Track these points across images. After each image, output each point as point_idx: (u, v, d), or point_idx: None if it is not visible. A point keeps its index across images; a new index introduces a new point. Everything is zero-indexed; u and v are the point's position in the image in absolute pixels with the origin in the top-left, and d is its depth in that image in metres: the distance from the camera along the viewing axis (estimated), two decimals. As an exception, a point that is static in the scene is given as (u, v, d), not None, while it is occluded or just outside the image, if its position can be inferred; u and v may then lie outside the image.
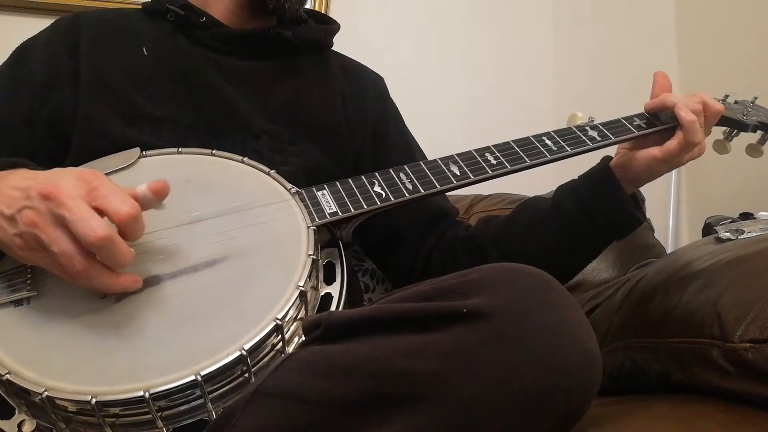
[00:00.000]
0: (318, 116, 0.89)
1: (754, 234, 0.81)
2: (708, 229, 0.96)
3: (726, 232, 0.84)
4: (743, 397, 0.60)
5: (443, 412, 0.47)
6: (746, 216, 0.96)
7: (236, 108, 0.83)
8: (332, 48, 0.98)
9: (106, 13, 0.90)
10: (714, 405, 0.62)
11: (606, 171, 0.81)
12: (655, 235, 1.27)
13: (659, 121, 0.81)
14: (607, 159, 0.83)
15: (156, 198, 0.60)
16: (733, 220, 0.94)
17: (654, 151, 0.78)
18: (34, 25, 0.91)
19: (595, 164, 0.85)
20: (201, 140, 0.78)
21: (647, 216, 1.28)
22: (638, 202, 0.84)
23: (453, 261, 0.88)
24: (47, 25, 0.88)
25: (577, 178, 0.85)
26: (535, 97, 1.82)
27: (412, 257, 0.92)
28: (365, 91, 0.96)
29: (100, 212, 0.56)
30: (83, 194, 0.56)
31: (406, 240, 0.92)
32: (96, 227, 0.54)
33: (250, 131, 0.83)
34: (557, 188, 0.86)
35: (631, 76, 1.82)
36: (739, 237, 0.81)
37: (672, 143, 0.77)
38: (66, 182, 0.57)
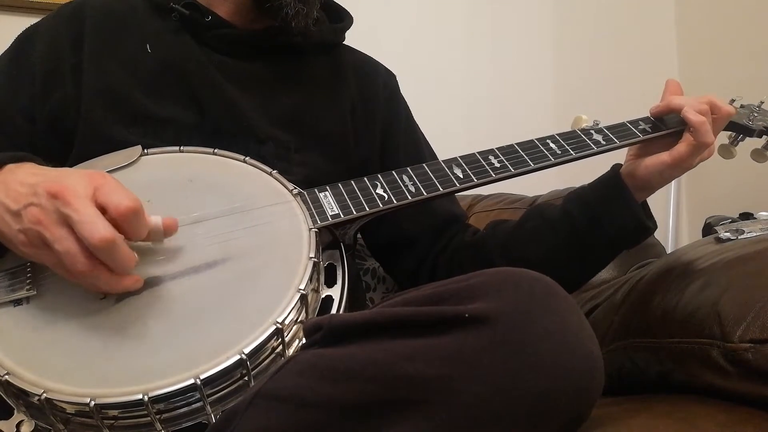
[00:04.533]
0: (325, 124, 0.87)
1: (754, 234, 0.81)
2: (708, 229, 0.96)
3: (726, 232, 0.84)
4: (743, 397, 0.60)
5: (445, 416, 0.47)
6: (746, 216, 0.96)
7: (242, 111, 0.81)
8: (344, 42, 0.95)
9: (111, 1, 0.86)
10: (714, 405, 0.62)
11: (616, 179, 0.80)
12: (655, 235, 1.26)
13: (665, 126, 0.80)
14: (617, 167, 0.82)
15: (164, 233, 0.61)
16: (733, 220, 0.94)
17: (664, 157, 0.76)
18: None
19: (601, 168, 0.84)
20: (205, 143, 0.76)
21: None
22: (649, 210, 0.82)
23: (459, 266, 0.87)
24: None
25: (586, 185, 0.84)
26: (535, 98, 1.82)
27: (419, 262, 0.91)
28: (376, 92, 0.94)
29: (103, 209, 0.56)
30: (90, 195, 0.56)
31: (415, 244, 0.91)
32: (100, 229, 0.54)
33: (256, 135, 0.81)
34: (566, 195, 0.85)
35: (632, 78, 1.83)
36: (739, 237, 0.81)
37: (681, 147, 0.76)
38: (74, 182, 0.57)
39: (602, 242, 0.80)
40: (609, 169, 0.83)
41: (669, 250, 1.37)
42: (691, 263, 0.77)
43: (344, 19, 0.95)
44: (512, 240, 0.85)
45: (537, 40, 1.85)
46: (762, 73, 1.50)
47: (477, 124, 1.76)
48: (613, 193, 0.79)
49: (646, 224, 0.79)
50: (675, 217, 1.77)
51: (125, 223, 0.57)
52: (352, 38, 0.96)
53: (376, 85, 0.95)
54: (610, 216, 0.78)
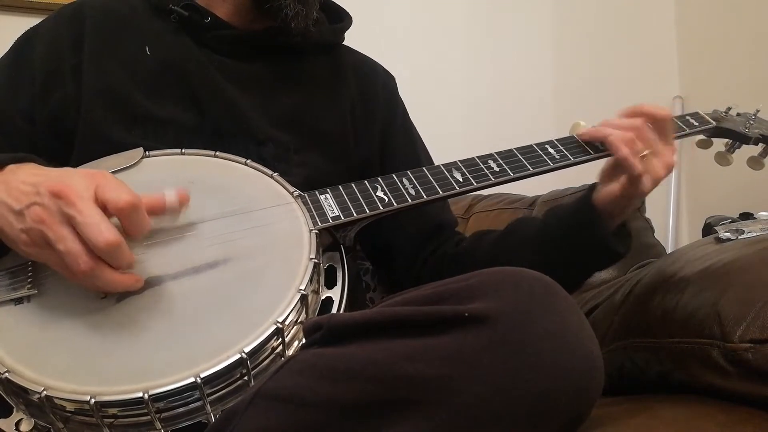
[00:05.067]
0: (325, 125, 0.87)
1: (754, 234, 0.81)
2: (708, 229, 0.95)
3: (726, 232, 0.84)
4: (743, 397, 0.60)
5: (445, 416, 0.47)
6: (746, 216, 0.96)
7: (242, 111, 0.81)
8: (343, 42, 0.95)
9: (111, 1, 0.86)
10: (714, 405, 0.62)
11: (587, 203, 0.77)
12: (655, 235, 1.27)
13: None
14: (589, 191, 0.78)
15: (178, 204, 0.62)
16: (733, 220, 0.94)
17: (614, 188, 0.74)
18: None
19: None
20: (205, 144, 0.77)
21: (647, 216, 1.28)
22: (626, 230, 0.79)
23: (448, 271, 0.86)
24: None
25: (564, 203, 0.83)
26: (535, 99, 1.82)
27: (407, 269, 0.92)
28: (375, 93, 0.94)
29: (104, 207, 0.57)
30: (92, 195, 0.56)
31: (403, 251, 0.92)
32: (104, 232, 0.55)
33: (256, 136, 0.81)
34: (545, 212, 0.84)
35: (632, 78, 1.83)
36: (739, 237, 0.81)
37: (615, 185, 0.73)
38: (76, 182, 0.57)
39: (580, 259, 0.78)
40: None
41: (669, 250, 1.37)
42: (691, 263, 0.77)
43: (344, 19, 0.95)
44: (499, 248, 0.85)
45: (537, 41, 1.85)
46: (762, 73, 1.50)
47: (477, 124, 1.76)
48: (585, 219, 0.76)
49: (616, 250, 0.76)
50: (675, 217, 1.77)
51: (125, 218, 0.58)
52: (351, 38, 0.96)
53: (375, 86, 0.95)
54: (584, 241, 0.76)
